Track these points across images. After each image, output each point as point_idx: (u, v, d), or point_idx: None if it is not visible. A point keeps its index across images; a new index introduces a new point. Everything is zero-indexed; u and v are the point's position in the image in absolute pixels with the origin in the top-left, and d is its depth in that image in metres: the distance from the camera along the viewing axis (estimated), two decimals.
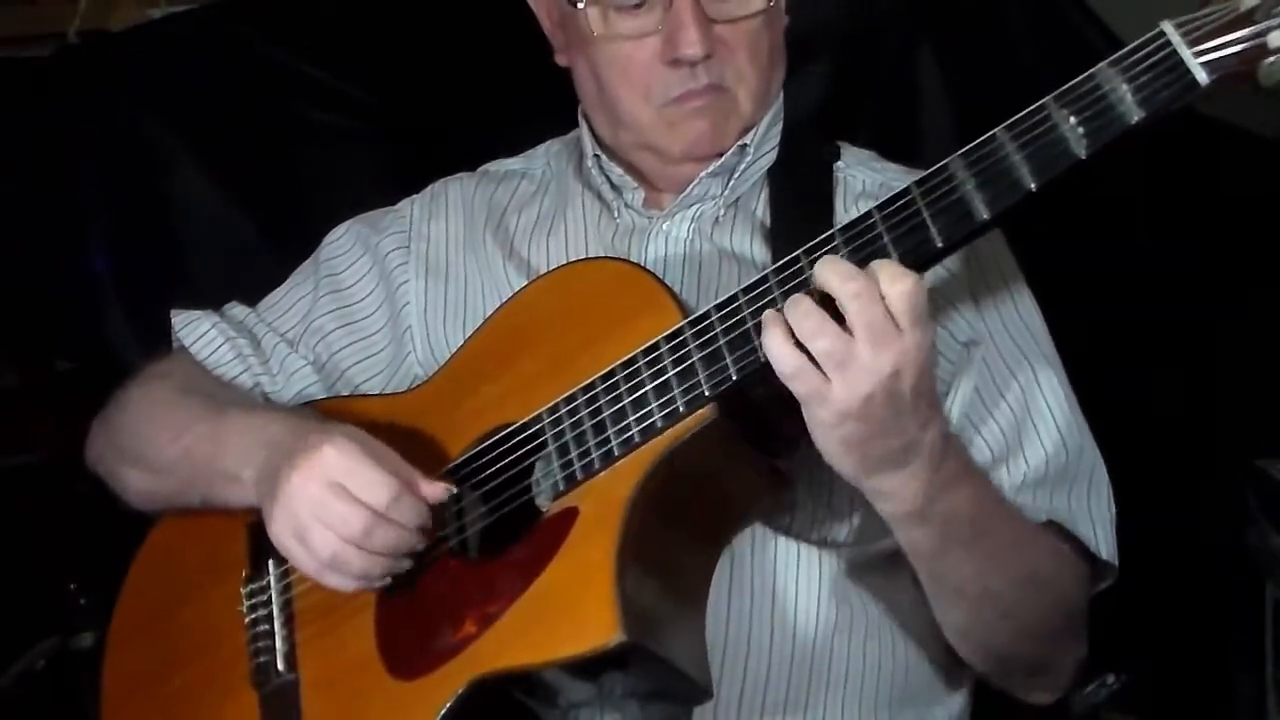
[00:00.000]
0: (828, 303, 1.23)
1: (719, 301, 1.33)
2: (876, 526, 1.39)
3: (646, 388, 1.34)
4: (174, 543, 1.63)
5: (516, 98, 2.04)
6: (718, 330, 1.32)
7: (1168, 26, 1.22)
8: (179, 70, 2.27)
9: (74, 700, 1.93)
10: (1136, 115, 1.22)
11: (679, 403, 1.32)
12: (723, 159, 1.57)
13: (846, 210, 1.55)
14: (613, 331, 1.39)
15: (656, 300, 1.39)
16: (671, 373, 1.33)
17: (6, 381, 2.38)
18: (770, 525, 1.46)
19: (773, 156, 1.61)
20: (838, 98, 2.05)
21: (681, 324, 1.34)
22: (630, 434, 1.34)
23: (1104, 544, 1.47)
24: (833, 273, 1.23)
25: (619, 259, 1.51)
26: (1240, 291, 1.96)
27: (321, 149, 2.26)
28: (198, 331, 1.69)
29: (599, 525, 1.32)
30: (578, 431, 1.37)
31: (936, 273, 1.46)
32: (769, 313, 1.26)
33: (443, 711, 1.33)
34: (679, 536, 1.37)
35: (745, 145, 1.57)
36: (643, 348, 1.36)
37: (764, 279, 1.32)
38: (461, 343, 1.55)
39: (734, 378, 1.31)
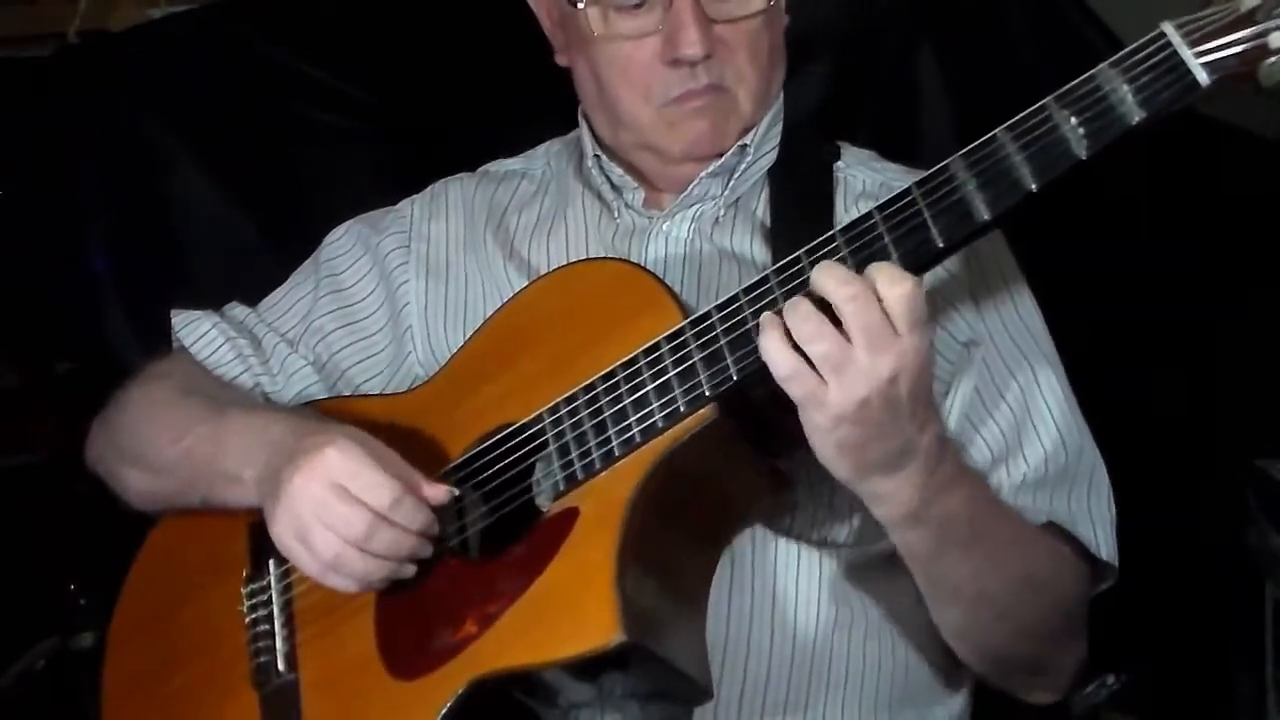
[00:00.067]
0: (827, 306, 1.23)
1: (720, 302, 1.33)
2: (876, 527, 1.39)
3: (647, 388, 1.34)
4: (174, 543, 1.63)
5: (516, 98, 2.04)
6: (718, 330, 1.32)
7: (1168, 27, 1.22)
8: (179, 70, 2.26)
9: (74, 700, 1.93)
10: (1137, 116, 1.22)
11: (680, 403, 1.32)
12: (723, 159, 1.57)
13: (847, 210, 1.55)
14: (613, 332, 1.39)
15: (657, 300, 1.39)
16: (672, 373, 1.33)
17: (6, 381, 2.37)
18: (770, 526, 1.46)
19: (773, 156, 1.61)
20: (838, 98, 2.04)
21: (682, 324, 1.34)
22: (631, 434, 1.34)
23: (1104, 545, 1.47)
24: (829, 277, 1.23)
25: (619, 259, 1.51)
26: (1241, 292, 1.95)
27: (321, 149, 2.25)
28: (198, 331, 1.69)
29: (599, 525, 1.32)
30: (578, 431, 1.37)
31: (936, 273, 1.46)
32: (767, 315, 1.26)
33: (443, 711, 1.33)
34: (679, 537, 1.37)
35: (745, 145, 1.57)
36: (643, 348, 1.36)
37: (765, 279, 1.32)
38: (462, 343, 1.55)
39: (735, 378, 1.31)
